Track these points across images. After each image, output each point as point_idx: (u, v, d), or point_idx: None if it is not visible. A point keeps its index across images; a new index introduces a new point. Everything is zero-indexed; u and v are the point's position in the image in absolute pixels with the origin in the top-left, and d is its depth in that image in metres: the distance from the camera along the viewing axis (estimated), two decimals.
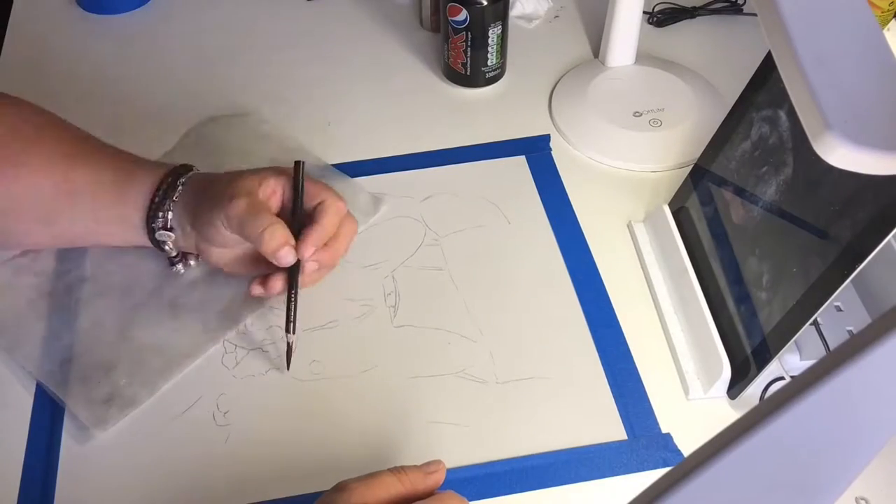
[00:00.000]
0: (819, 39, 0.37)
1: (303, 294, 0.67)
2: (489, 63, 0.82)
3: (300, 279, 0.62)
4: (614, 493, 0.56)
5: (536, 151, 0.77)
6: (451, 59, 0.82)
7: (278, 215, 0.61)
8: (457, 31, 0.79)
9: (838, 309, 0.62)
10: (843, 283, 0.51)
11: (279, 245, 0.59)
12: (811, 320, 0.53)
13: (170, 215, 0.63)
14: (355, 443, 0.59)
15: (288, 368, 0.62)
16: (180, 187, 0.63)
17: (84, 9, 0.93)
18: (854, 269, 0.50)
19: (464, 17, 0.78)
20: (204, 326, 0.64)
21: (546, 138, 0.78)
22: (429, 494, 0.49)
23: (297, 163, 0.63)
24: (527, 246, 0.70)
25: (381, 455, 0.58)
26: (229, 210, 0.59)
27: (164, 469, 0.58)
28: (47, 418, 0.60)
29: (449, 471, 0.56)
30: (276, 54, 0.88)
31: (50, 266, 0.68)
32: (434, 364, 0.63)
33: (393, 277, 0.68)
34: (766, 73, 0.61)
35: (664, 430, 0.59)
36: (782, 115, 0.59)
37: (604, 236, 0.70)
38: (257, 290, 0.63)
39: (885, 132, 0.34)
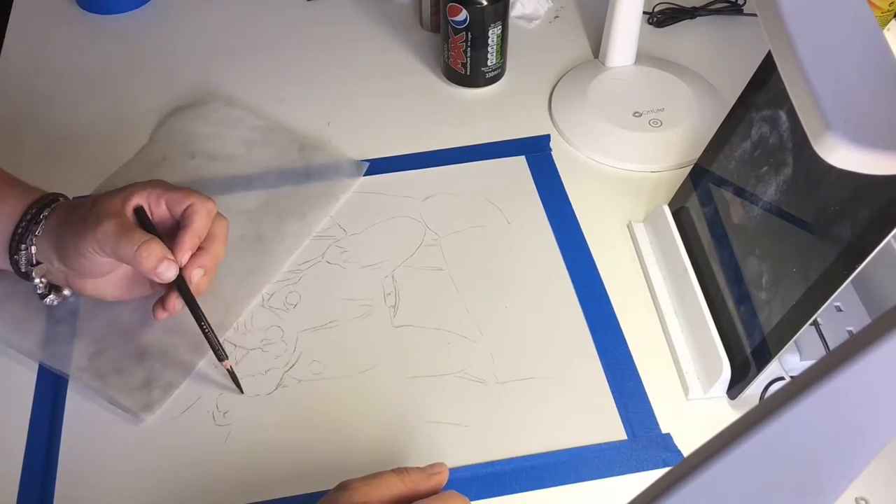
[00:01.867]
0: (819, 40, 0.37)
1: (303, 294, 0.67)
2: (489, 63, 0.82)
3: (191, 289, 0.60)
4: (614, 494, 0.56)
5: (536, 151, 0.77)
6: (451, 59, 0.82)
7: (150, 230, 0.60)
8: (457, 31, 0.79)
9: (838, 309, 0.62)
10: (843, 283, 0.51)
11: (158, 260, 0.57)
12: (811, 320, 0.53)
13: (33, 249, 0.60)
14: (355, 443, 0.59)
15: (241, 391, 0.61)
16: (43, 220, 0.60)
17: (84, 9, 0.93)
18: (854, 269, 0.50)
19: (464, 18, 0.78)
20: (223, 302, 0.65)
21: (546, 138, 0.78)
22: (431, 495, 0.49)
23: (136, 209, 0.60)
24: (527, 246, 0.70)
25: (382, 455, 0.58)
26: (98, 234, 0.57)
27: (164, 469, 0.58)
28: (47, 418, 0.60)
29: (449, 471, 0.57)
30: (276, 54, 0.88)
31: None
32: (434, 364, 0.63)
33: (393, 277, 0.68)
34: (767, 73, 0.61)
35: (664, 431, 0.59)
36: (782, 115, 0.59)
37: (604, 236, 0.70)
38: (161, 314, 0.61)
39: (885, 132, 0.34)
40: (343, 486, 0.48)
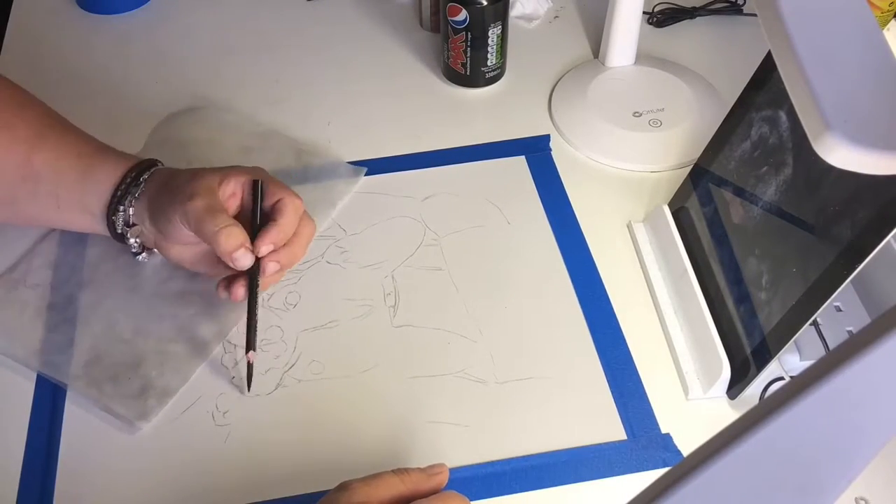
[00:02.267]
0: (819, 40, 0.37)
1: (303, 294, 0.67)
2: (489, 63, 0.82)
3: (261, 280, 0.61)
4: (614, 493, 0.56)
5: (536, 151, 0.77)
6: (451, 59, 0.82)
7: (237, 217, 0.61)
8: (457, 31, 0.79)
9: (838, 309, 0.62)
10: (842, 283, 0.51)
11: (235, 246, 0.59)
12: (811, 320, 0.53)
13: (131, 211, 0.63)
14: (355, 443, 0.59)
15: (249, 390, 0.60)
16: (143, 183, 0.63)
17: (84, 9, 0.93)
18: (854, 269, 0.50)
19: (464, 17, 0.78)
20: (213, 312, 0.65)
21: (546, 138, 0.78)
22: (431, 495, 0.49)
23: (255, 182, 0.62)
24: (527, 246, 0.70)
25: (382, 455, 0.58)
26: (187, 207, 0.59)
27: (164, 469, 0.58)
28: (47, 417, 0.60)
29: (449, 471, 0.57)
30: (276, 54, 0.88)
31: (46, 278, 0.67)
32: (434, 364, 0.63)
33: (393, 277, 0.68)
34: (766, 73, 0.61)
35: (664, 431, 0.59)
36: (782, 115, 0.59)
37: (604, 236, 0.70)
38: (223, 293, 0.61)
39: (885, 132, 0.34)
40: (343, 487, 0.48)
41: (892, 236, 0.48)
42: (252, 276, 0.60)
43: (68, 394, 0.61)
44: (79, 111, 0.82)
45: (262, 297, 0.66)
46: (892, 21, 0.81)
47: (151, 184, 0.63)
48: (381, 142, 0.78)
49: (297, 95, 0.83)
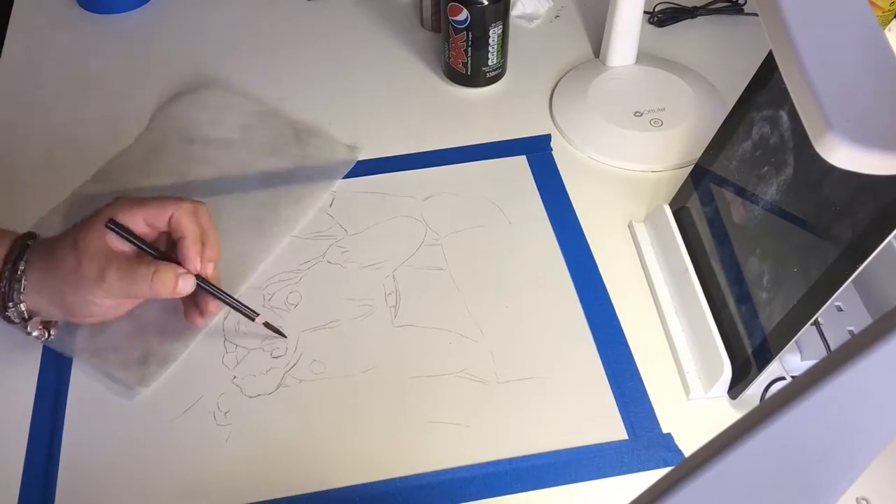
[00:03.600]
0: (820, 39, 0.37)
1: (304, 294, 0.67)
2: (490, 63, 0.82)
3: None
4: (615, 493, 0.56)
5: (537, 151, 0.77)
6: (452, 59, 0.82)
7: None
8: (457, 31, 0.79)
9: (839, 309, 0.62)
10: (844, 283, 0.51)
11: (173, 282, 0.58)
12: (812, 320, 0.53)
13: (22, 307, 0.59)
14: (356, 442, 0.59)
15: (285, 336, 0.64)
16: (23, 277, 0.58)
17: (84, 9, 0.93)
18: (855, 269, 0.50)
19: (464, 17, 0.78)
20: (222, 280, 0.65)
21: (547, 138, 0.78)
22: None
23: (106, 225, 0.58)
24: (527, 246, 0.70)
25: (382, 454, 0.58)
26: (105, 284, 0.57)
27: (165, 468, 0.58)
28: (48, 418, 0.60)
29: (449, 471, 0.57)
30: (277, 54, 0.88)
31: None
32: (434, 364, 0.63)
33: (394, 277, 0.68)
34: (767, 73, 0.61)
35: (665, 431, 0.59)
36: (783, 115, 0.59)
37: (604, 236, 0.70)
38: (200, 321, 0.62)
39: (886, 132, 0.34)
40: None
41: (894, 236, 0.48)
42: (204, 286, 0.61)
43: (69, 391, 0.61)
44: (79, 111, 0.82)
45: (263, 296, 0.67)
46: (893, 21, 0.81)
47: (32, 271, 0.59)
48: (382, 141, 0.78)
49: (297, 95, 0.83)
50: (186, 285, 0.59)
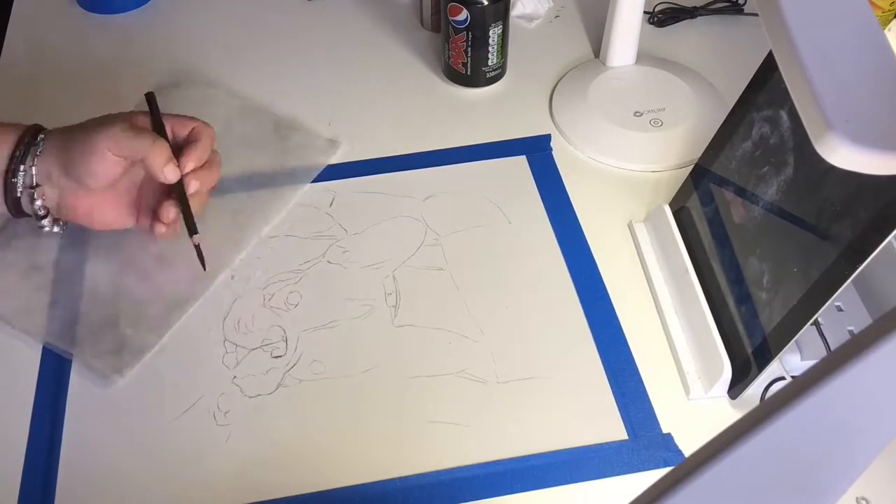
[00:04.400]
0: (820, 39, 0.37)
1: (304, 294, 0.67)
2: (490, 63, 0.82)
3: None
4: (615, 493, 0.56)
5: (537, 151, 0.77)
6: (452, 59, 0.82)
7: None
8: (457, 31, 0.79)
9: (839, 309, 0.62)
10: (844, 283, 0.51)
11: (166, 158, 0.62)
12: (812, 320, 0.53)
13: (34, 171, 0.63)
14: (356, 442, 0.59)
15: (204, 268, 0.65)
16: (41, 142, 0.63)
17: (84, 9, 0.93)
18: (855, 269, 0.50)
19: (464, 17, 0.78)
20: (194, 274, 0.67)
21: (547, 138, 0.78)
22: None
23: (147, 94, 0.67)
24: (527, 246, 0.70)
25: (382, 454, 0.58)
26: (112, 131, 0.61)
27: (165, 468, 0.58)
28: (48, 419, 0.60)
29: (449, 471, 0.57)
30: (277, 54, 0.88)
31: (30, 242, 0.69)
32: (434, 364, 0.63)
33: (394, 277, 0.68)
34: (767, 73, 0.61)
35: (665, 430, 0.59)
36: (783, 115, 0.59)
37: (604, 236, 0.70)
38: (160, 228, 0.65)
39: (886, 132, 0.34)
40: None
41: (894, 236, 0.48)
42: (180, 193, 0.64)
43: (70, 390, 0.62)
44: (79, 111, 0.82)
45: (263, 296, 0.67)
46: (894, 21, 0.81)
47: (52, 141, 0.63)
48: (382, 141, 0.78)
49: (297, 95, 0.83)
50: (172, 172, 0.63)
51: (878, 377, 0.26)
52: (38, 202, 0.64)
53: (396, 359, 0.63)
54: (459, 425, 0.59)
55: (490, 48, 0.80)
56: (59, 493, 0.57)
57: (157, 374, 0.63)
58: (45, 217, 0.65)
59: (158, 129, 0.65)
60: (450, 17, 0.79)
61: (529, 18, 0.91)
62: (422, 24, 0.90)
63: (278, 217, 0.72)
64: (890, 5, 0.80)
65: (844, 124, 0.34)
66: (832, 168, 0.35)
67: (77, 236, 0.69)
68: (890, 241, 0.49)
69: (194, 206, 0.65)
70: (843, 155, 0.34)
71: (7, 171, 0.63)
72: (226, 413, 0.60)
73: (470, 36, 0.79)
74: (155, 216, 0.65)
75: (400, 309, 0.66)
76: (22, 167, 0.63)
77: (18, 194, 0.63)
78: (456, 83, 0.84)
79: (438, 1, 0.84)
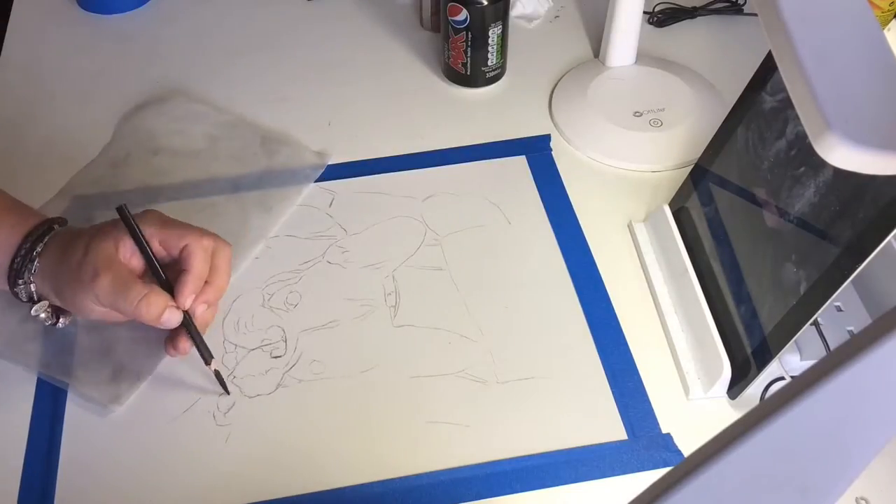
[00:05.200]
0: (820, 39, 0.37)
1: (303, 294, 0.67)
2: (489, 63, 0.82)
3: (195, 322, 0.60)
4: (614, 493, 0.56)
5: (537, 151, 0.77)
6: (452, 59, 0.82)
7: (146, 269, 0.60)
8: (457, 31, 0.79)
9: (839, 309, 0.62)
10: (843, 283, 0.51)
11: (159, 312, 0.57)
12: (811, 320, 0.53)
13: (32, 287, 0.60)
14: (355, 443, 0.59)
15: (227, 392, 0.61)
16: (37, 259, 0.59)
17: (84, 9, 0.93)
18: (854, 269, 0.50)
19: (464, 17, 0.78)
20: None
21: (546, 138, 0.78)
22: None
23: (119, 209, 0.59)
24: (527, 246, 0.70)
25: (382, 454, 0.58)
26: (96, 289, 0.57)
27: (165, 469, 0.58)
28: (47, 419, 0.60)
29: (449, 471, 0.57)
30: (276, 54, 0.88)
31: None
32: (434, 364, 0.63)
33: (393, 277, 0.68)
34: (767, 73, 0.61)
35: (664, 430, 0.59)
36: (783, 115, 0.59)
37: (604, 236, 0.70)
38: (172, 352, 0.61)
39: (886, 132, 0.34)
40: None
41: (893, 236, 0.48)
42: (188, 325, 0.59)
43: (69, 393, 0.62)
44: (79, 111, 0.82)
45: (263, 296, 0.66)
46: (893, 21, 0.81)
47: (46, 257, 0.60)
48: (382, 142, 0.78)
49: (297, 95, 0.83)
50: (172, 318, 0.58)
51: (878, 377, 0.26)
52: (42, 315, 0.61)
53: (396, 359, 0.63)
54: (459, 425, 0.59)
55: (490, 48, 0.80)
56: (58, 491, 0.57)
57: (157, 374, 0.63)
58: (54, 324, 0.63)
59: (139, 241, 0.59)
60: (449, 17, 0.79)
61: (529, 18, 0.91)
62: (421, 24, 0.91)
63: (273, 231, 0.71)
64: (889, 5, 0.80)
65: (843, 124, 0.34)
66: (832, 168, 0.35)
67: None
68: (890, 241, 0.49)
69: (205, 318, 0.61)
70: (842, 155, 0.34)
71: (9, 278, 0.60)
72: (225, 413, 0.60)
73: (469, 36, 0.79)
74: (169, 341, 0.61)
75: (399, 309, 0.66)
76: (20, 281, 0.60)
77: (25, 300, 0.61)
78: (455, 83, 0.84)
79: (438, 1, 0.84)
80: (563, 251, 0.69)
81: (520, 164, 0.76)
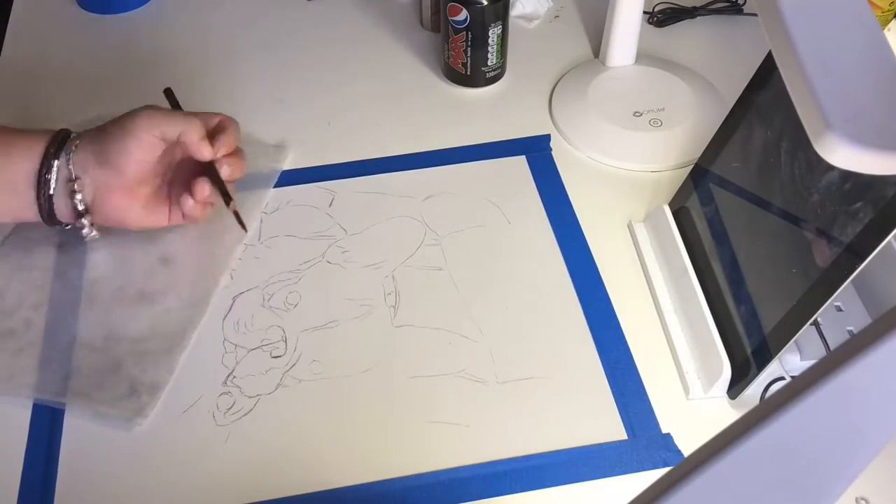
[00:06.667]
0: (820, 39, 0.37)
1: (303, 294, 0.67)
2: (489, 63, 0.82)
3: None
4: (614, 493, 0.56)
5: (537, 151, 0.77)
6: (452, 59, 0.82)
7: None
8: (457, 31, 0.79)
9: (838, 309, 0.62)
10: (843, 283, 0.51)
11: (202, 135, 0.64)
12: (811, 320, 0.53)
13: (70, 165, 0.63)
14: (355, 443, 0.59)
15: (245, 230, 0.68)
16: (76, 138, 0.64)
17: (84, 9, 0.93)
18: (854, 269, 0.50)
19: (464, 17, 0.78)
20: (182, 303, 0.65)
21: (546, 138, 0.78)
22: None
23: (166, 90, 0.68)
24: (527, 246, 0.70)
25: (382, 455, 0.58)
26: (151, 112, 0.63)
27: (164, 469, 0.58)
28: (47, 418, 0.60)
29: (449, 471, 0.57)
30: (277, 54, 0.88)
31: (11, 302, 0.66)
32: (434, 364, 0.63)
33: (393, 277, 0.68)
34: (767, 73, 0.61)
35: (664, 430, 0.59)
36: (783, 114, 0.59)
37: (604, 236, 0.70)
38: (188, 202, 0.65)
39: (886, 132, 0.34)
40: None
41: (893, 236, 0.48)
42: (212, 172, 0.65)
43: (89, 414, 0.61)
44: (79, 111, 0.82)
45: (263, 296, 0.67)
46: (893, 21, 0.81)
47: (85, 136, 0.64)
48: (382, 142, 0.78)
49: (296, 95, 0.83)
50: (207, 148, 0.64)
51: (878, 377, 0.26)
52: (79, 196, 0.64)
53: (396, 359, 0.63)
54: (459, 425, 0.59)
55: (489, 48, 0.80)
56: (58, 491, 0.57)
57: None
58: (84, 215, 0.65)
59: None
60: (449, 17, 0.79)
61: (529, 18, 0.91)
62: (421, 24, 0.91)
63: (252, 228, 0.71)
64: (889, 5, 0.80)
65: (843, 124, 0.34)
66: (832, 168, 0.35)
67: (46, 294, 0.66)
68: (889, 241, 0.49)
69: (224, 174, 0.66)
70: (843, 155, 0.34)
71: (40, 168, 0.63)
72: (225, 413, 0.60)
73: (469, 36, 0.79)
74: (189, 191, 0.66)
75: (399, 309, 0.66)
76: (56, 162, 0.63)
77: (52, 191, 0.63)
78: (455, 83, 0.84)
79: (438, 1, 0.84)
80: (562, 251, 0.69)
81: (520, 164, 0.76)
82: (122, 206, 0.65)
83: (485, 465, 0.57)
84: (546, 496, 0.56)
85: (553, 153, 0.77)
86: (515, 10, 0.90)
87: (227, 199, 0.66)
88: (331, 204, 0.73)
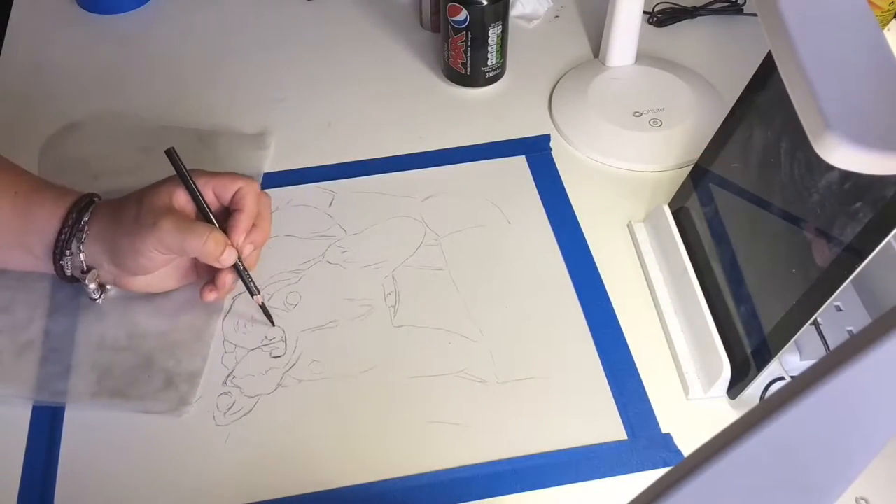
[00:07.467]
0: (820, 39, 0.37)
1: (303, 294, 0.67)
2: (489, 63, 0.82)
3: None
4: (614, 493, 0.56)
5: (536, 151, 0.77)
6: (451, 59, 0.82)
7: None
8: (457, 31, 0.79)
9: (838, 309, 0.62)
10: (843, 283, 0.51)
11: (222, 249, 0.61)
12: (811, 320, 0.53)
13: (82, 257, 0.61)
14: (355, 443, 0.59)
15: (273, 324, 0.64)
16: (86, 226, 0.61)
17: (84, 9, 0.93)
18: (854, 269, 0.50)
19: (464, 17, 0.78)
20: (195, 296, 0.65)
21: (546, 138, 0.78)
22: None
23: (168, 152, 0.62)
24: (527, 246, 0.70)
25: (382, 455, 0.58)
26: (159, 232, 0.59)
27: (164, 469, 0.58)
28: (47, 418, 0.60)
29: (449, 471, 0.57)
30: (276, 54, 0.88)
31: (11, 318, 0.65)
32: (434, 364, 0.63)
33: (393, 277, 0.68)
34: (767, 73, 0.61)
35: (664, 430, 0.59)
36: (783, 114, 0.59)
37: (604, 236, 0.70)
38: (210, 295, 0.63)
39: (885, 132, 0.34)
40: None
41: (893, 236, 0.48)
42: (237, 264, 0.63)
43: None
44: (78, 111, 0.82)
45: (263, 296, 0.66)
46: (893, 21, 0.81)
47: (96, 223, 0.62)
48: (381, 142, 0.78)
49: (296, 95, 0.83)
50: (230, 256, 0.61)
51: (877, 377, 0.26)
52: (91, 286, 0.62)
53: (396, 359, 0.63)
54: (459, 425, 0.59)
55: (489, 48, 0.80)
56: (58, 491, 0.57)
57: None
58: (97, 299, 0.64)
59: (188, 185, 0.62)
60: (449, 17, 0.79)
61: (529, 18, 0.91)
62: (421, 24, 0.91)
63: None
64: (889, 5, 0.80)
65: (843, 124, 0.34)
66: (832, 168, 0.35)
67: (61, 300, 0.65)
68: (889, 241, 0.49)
69: (251, 261, 0.65)
70: (842, 155, 0.34)
71: (55, 247, 0.61)
72: (225, 413, 0.60)
73: (469, 36, 0.79)
74: (211, 281, 0.63)
75: (399, 309, 0.66)
76: (68, 252, 0.61)
77: (69, 274, 0.62)
78: (455, 83, 0.84)
79: (438, 1, 0.84)
80: (562, 251, 0.69)
81: (520, 164, 0.76)
82: (141, 286, 0.64)
83: (485, 465, 0.57)
84: (546, 496, 0.56)
85: (553, 153, 0.77)
86: (515, 10, 0.90)
87: (252, 291, 0.64)
88: (331, 204, 0.73)
